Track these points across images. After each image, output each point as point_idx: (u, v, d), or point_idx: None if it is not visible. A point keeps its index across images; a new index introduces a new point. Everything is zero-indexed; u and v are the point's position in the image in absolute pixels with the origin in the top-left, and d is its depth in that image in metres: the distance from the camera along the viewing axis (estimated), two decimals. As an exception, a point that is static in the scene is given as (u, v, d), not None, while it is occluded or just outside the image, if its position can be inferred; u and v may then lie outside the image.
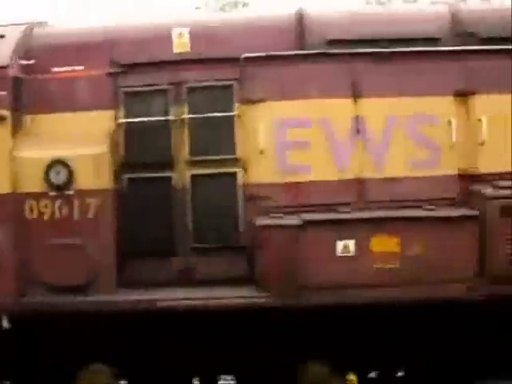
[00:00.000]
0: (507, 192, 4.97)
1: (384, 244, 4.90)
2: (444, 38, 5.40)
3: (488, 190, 5.00)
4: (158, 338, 5.31)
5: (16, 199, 5.02)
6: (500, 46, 5.26)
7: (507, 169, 5.18)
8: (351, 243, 4.90)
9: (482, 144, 5.21)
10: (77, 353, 5.28)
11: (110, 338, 5.29)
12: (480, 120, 5.19)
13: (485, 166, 5.25)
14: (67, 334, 5.26)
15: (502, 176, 5.15)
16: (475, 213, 4.92)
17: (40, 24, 5.75)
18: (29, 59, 5.22)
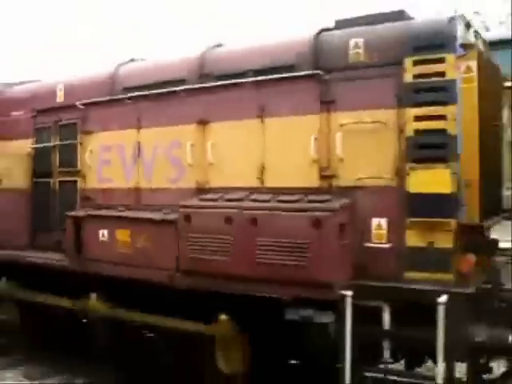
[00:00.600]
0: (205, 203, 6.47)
1: (123, 235, 7.01)
2: (189, 78, 7.01)
3: (189, 201, 6.59)
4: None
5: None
6: (227, 82, 6.65)
7: (235, 184, 6.60)
8: (106, 232, 7.15)
9: (211, 164, 6.74)
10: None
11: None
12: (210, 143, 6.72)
13: (213, 182, 6.77)
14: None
15: (227, 190, 6.60)
16: (173, 218, 6.60)
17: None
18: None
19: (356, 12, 6.55)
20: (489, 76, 5.93)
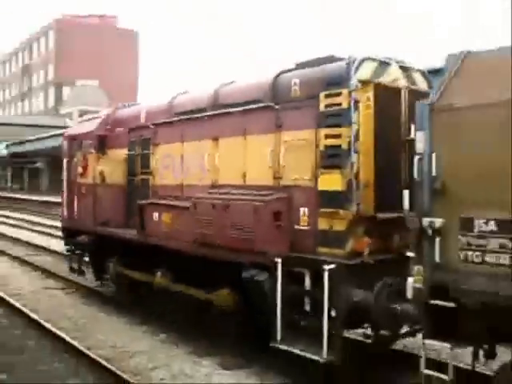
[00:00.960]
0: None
1: (166, 217, 10.00)
2: (208, 107, 9.78)
3: (198, 194, 9.33)
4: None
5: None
6: (225, 110, 9.32)
7: (230, 182, 9.17)
8: (157, 215, 10.19)
9: (218, 169, 9.46)
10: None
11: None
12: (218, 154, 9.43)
13: (220, 181, 9.45)
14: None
15: (225, 186, 9.24)
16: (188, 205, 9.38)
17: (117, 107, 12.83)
18: (107, 125, 12.38)
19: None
20: (393, 101, 7.85)
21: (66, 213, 14.04)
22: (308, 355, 7.49)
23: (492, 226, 5.63)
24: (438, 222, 6.01)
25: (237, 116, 9.07)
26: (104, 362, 8.75)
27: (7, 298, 12.77)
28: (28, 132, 59.80)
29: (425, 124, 6.29)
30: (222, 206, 8.55)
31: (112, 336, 10.51)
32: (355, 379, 7.86)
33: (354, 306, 7.39)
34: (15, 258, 19.05)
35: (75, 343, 9.67)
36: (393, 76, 8.04)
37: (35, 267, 17.24)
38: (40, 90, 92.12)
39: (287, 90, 8.36)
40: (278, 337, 7.89)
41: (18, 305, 12.20)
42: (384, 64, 7.97)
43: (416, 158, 6.33)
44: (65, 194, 14.06)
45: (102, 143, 12.38)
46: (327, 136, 7.64)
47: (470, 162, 5.82)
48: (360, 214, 7.51)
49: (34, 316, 11.26)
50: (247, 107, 8.86)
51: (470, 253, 5.80)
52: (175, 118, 10.50)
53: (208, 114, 9.73)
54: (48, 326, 10.65)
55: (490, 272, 5.64)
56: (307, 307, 7.87)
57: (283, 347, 7.83)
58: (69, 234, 14.08)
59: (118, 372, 8.33)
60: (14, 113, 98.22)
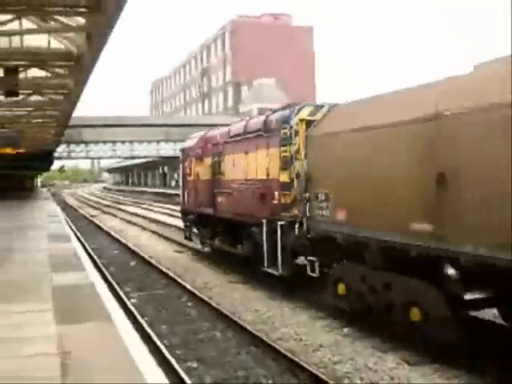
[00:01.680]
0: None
1: (223, 199, 16.89)
2: (242, 133, 16.34)
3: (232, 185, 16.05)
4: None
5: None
6: (249, 135, 15.84)
7: (245, 177, 15.75)
8: (221, 198, 17.11)
9: (245, 171, 16.04)
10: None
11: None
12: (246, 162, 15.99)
13: (246, 177, 16.02)
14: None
15: (244, 180, 15.88)
16: (229, 191, 16.13)
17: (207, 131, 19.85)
18: (202, 142, 19.49)
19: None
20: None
21: (182, 201, 22.51)
22: (274, 272, 13.99)
23: (323, 197, 11.72)
24: (307, 195, 12.23)
25: (252, 139, 15.65)
26: (289, 355, 9.35)
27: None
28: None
29: (307, 143, 12.51)
30: (239, 191, 15.29)
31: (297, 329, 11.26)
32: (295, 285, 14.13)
33: (294, 243, 13.62)
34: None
35: (262, 336, 10.53)
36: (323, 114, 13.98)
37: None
38: (219, 91, 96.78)
39: (270, 125, 14.75)
40: (265, 264, 14.42)
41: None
42: (319, 107, 13.89)
43: (301, 162, 12.57)
44: (181, 189, 22.81)
45: (199, 154, 19.48)
46: (282, 151, 13.89)
47: (318, 165, 12.00)
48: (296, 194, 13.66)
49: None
50: (255, 134, 15.39)
51: (318, 210, 11.92)
52: (230, 140, 17.25)
53: (241, 137, 16.40)
54: (236, 319, 11.81)
55: (323, 220, 11.73)
56: (279, 251, 14.18)
57: (266, 269, 14.37)
58: (184, 214, 22.24)
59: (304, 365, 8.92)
60: (195, 113, 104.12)
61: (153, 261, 19.66)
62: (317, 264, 12.43)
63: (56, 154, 61.98)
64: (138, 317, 11.75)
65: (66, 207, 52.44)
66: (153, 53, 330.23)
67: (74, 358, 6.20)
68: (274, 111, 15.28)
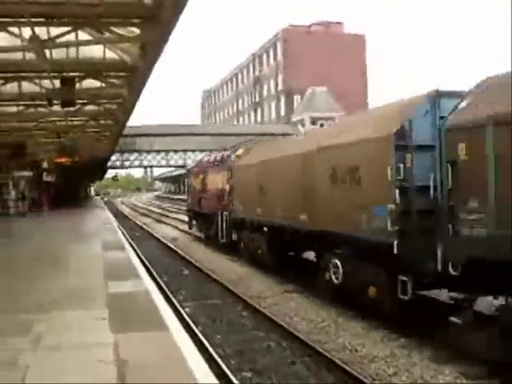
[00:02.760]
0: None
1: (205, 199, 22.38)
2: (218, 162, 20.36)
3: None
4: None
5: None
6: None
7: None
8: (201, 200, 18.29)
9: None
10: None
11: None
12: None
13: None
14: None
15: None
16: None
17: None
18: (200, 163, 25.86)
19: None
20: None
21: (187, 203, 35.62)
22: (221, 241, 23.96)
23: (237, 199, 21.05)
24: (232, 198, 21.71)
25: (217, 166, 25.11)
26: (345, 366, 9.14)
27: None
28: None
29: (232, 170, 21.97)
30: (211, 195, 25.76)
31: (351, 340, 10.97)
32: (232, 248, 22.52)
33: (229, 224, 22.53)
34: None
35: (316, 346, 10.31)
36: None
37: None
38: (271, 100, 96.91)
39: (224, 159, 24.25)
40: (219, 237, 23.87)
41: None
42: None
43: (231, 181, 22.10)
44: (187, 195, 35.76)
45: (196, 172, 28.36)
46: (228, 174, 22.52)
47: (235, 182, 21.62)
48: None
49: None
50: (218, 163, 25.01)
51: (236, 206, 21.39)
52: (209, 164, 26.92)
53: (213, 164, 26.01)
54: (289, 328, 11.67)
55: (238, 211, 20.21)
56: (233, 234, 22.73)
57: (220, 240, 24.04)
58: (187, 212, 34.37)
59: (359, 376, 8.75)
60: (248, 122, 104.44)
61: (211, 273, 19.72)
62: (235, 235, 22.42)
63: (110, 163, 63.18)
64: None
65: (118, 214, 53.17)
66: (203, 63, 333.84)
67: (131, 366, 6.20)
68: (227, 149, 25.35)
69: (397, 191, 10.47)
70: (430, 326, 10.66)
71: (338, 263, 13.16)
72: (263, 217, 18.22)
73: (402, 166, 10.47)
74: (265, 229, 18.56)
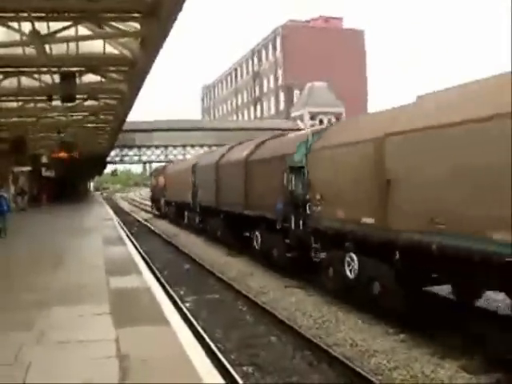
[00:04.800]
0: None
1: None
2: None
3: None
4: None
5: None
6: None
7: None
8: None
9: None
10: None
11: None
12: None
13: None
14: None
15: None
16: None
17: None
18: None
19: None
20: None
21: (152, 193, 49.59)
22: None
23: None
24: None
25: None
26: (345, 361, 9.19)
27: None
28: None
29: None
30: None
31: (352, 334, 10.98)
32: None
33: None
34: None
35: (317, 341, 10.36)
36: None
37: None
38: (271, 95, 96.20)
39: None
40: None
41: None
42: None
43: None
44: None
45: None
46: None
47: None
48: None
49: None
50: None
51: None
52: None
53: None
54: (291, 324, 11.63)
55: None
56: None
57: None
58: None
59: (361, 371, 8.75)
60: (247, 118, 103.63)
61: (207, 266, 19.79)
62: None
63: (109, 158, 63.11)
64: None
65: (118, 211, 53.18)
66: (202, 57, 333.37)
67: (132, 360, 6.22)
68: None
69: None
70: (431, 321, 10.75)
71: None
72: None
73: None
74: None
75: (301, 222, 15.48)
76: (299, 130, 55.70)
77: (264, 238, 18.82)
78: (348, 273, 12.59)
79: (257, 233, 19.43)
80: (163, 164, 55.85)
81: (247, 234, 21.25)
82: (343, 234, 12.82)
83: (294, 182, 16.04)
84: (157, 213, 47.43)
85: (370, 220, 11.41)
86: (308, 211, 14.80)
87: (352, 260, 12.44)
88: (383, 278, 11.37)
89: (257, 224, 19.25)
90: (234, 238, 23.00)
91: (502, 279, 8.77)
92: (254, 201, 19.12)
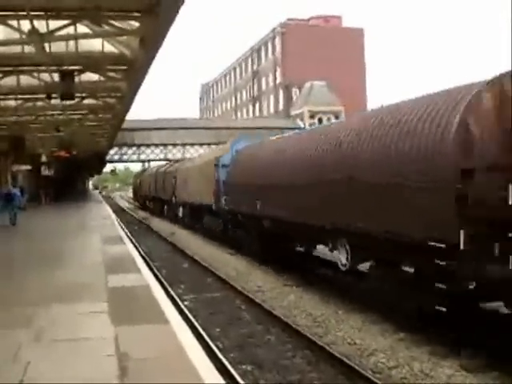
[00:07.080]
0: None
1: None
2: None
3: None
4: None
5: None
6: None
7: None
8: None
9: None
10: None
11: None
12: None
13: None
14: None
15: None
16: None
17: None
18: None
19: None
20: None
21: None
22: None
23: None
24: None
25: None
26: (345, 359, 9.11)
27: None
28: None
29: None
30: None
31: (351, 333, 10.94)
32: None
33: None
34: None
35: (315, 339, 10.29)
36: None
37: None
38: (270, 93, 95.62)
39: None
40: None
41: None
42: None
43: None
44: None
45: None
46: None
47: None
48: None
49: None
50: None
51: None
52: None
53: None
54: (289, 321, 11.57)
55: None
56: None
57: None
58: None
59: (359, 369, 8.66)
60: (246, 116, 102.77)
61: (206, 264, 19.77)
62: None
63: (108, 157, 63.10)
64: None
65: (117, 209, 53.20)
66: (201, 56, 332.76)
67: (131, 359, 6.20)
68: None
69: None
70: (430, 320, 10.56)
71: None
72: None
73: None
74: None
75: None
76: (299, 128, 55.72)
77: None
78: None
79: None
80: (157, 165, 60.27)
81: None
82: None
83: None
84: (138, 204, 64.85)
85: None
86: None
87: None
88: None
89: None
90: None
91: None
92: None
